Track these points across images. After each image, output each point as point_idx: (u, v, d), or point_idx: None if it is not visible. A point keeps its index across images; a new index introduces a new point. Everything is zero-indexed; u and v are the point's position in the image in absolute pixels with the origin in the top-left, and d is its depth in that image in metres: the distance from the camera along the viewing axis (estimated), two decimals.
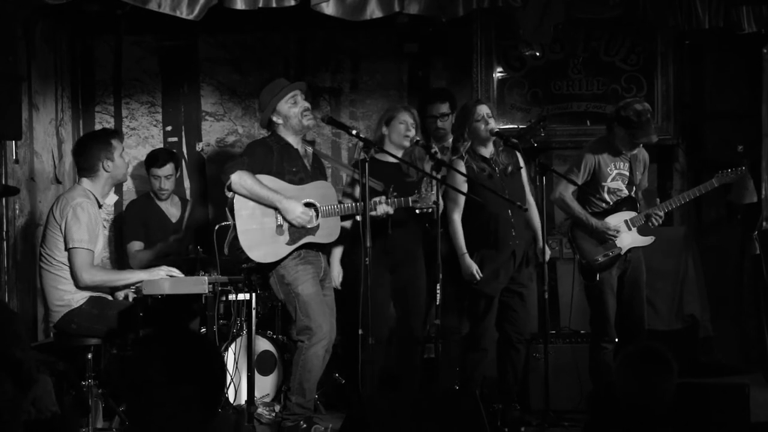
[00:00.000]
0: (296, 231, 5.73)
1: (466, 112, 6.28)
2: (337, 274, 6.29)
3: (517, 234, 6.24)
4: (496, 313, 6.24)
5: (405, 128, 6.17)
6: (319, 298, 5.76)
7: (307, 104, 5.90)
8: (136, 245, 7.02)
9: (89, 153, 5.78)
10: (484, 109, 6.22)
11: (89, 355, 5.69)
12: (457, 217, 6.17)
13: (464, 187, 6.12)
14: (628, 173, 6.35)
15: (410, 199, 5.82)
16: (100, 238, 5.78)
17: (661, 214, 6.33)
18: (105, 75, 7.79)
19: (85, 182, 5.77)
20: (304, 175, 5.86)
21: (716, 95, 7.72)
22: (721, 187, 6.44)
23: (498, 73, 7.77)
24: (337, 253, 6.30)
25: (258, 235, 5.70)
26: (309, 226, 5.74)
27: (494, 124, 6.22)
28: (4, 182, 6.28)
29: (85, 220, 5.58)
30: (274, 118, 5.88)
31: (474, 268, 6.12)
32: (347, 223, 6.04)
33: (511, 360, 6.29)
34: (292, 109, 5.84)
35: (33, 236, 6.75)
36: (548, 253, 6.30)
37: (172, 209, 7.21)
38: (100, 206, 5.78)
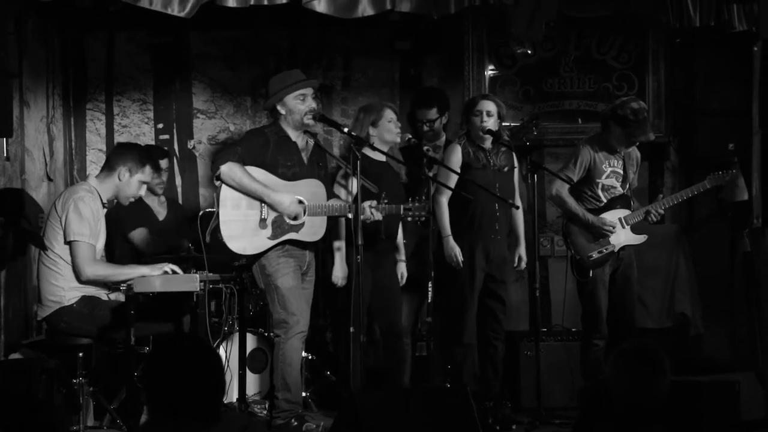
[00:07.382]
0: (279, 226, 5.70)
1: (470, 104, 6.39)
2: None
3: (500, 229, 6.27)
4: (476, 307, 6.25)
5: (394, 125, 6.16)
6: (297, 292, 5.73)
7: (314, 105, 5.85)
8: (139, 232, 6.95)
9: (121, 154, 5.85)
10: (484, 105, 6.25)
11: (80, 354, 5.68)
12: (444, 200, 6.20)
13: (455, 176, 6.16)
14: (621, 171, 6.38)
15: (402, 206, 5.76)
16: (102, 235, 5.76)
17: (662, 210, 6.36)
18: (97, 71, 7.76)
19: (93, 180, 5.83)
20: (299, 170, 5.81)
21: (707, 93, 7.72)
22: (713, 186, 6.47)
23: (490, 71, 7.76)
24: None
25: (240, 226, 5.67)
26: (298, 222, 5.71)
27: (491, 124, 6.21)
28: None
29: (87, 214, 5.58)
30: (279, 108, 5.85)
31: (456, 250, 6.15)
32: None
33: (490, 358, 6.31)
34: (299, 106, 5.80)
35: (23, 233, 6.72)
36: (525, 261, 6.34)
37: (158, 208, 7.19)
38: (104, 205, 5.77)
